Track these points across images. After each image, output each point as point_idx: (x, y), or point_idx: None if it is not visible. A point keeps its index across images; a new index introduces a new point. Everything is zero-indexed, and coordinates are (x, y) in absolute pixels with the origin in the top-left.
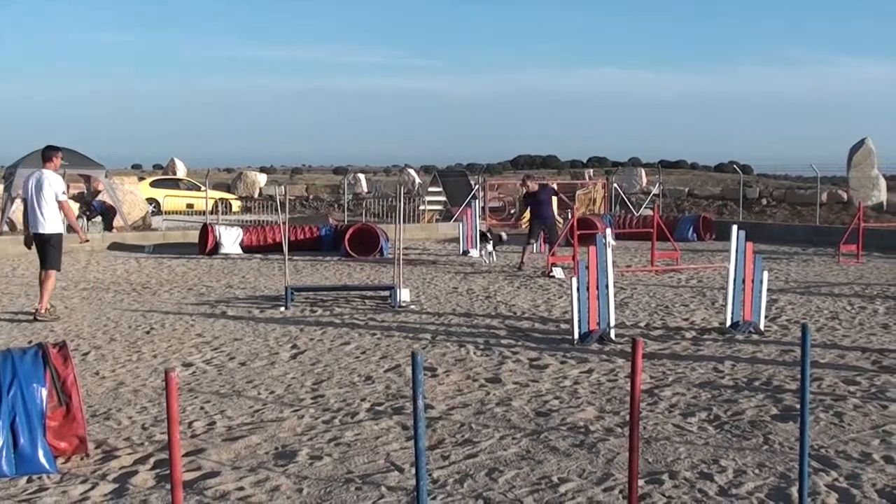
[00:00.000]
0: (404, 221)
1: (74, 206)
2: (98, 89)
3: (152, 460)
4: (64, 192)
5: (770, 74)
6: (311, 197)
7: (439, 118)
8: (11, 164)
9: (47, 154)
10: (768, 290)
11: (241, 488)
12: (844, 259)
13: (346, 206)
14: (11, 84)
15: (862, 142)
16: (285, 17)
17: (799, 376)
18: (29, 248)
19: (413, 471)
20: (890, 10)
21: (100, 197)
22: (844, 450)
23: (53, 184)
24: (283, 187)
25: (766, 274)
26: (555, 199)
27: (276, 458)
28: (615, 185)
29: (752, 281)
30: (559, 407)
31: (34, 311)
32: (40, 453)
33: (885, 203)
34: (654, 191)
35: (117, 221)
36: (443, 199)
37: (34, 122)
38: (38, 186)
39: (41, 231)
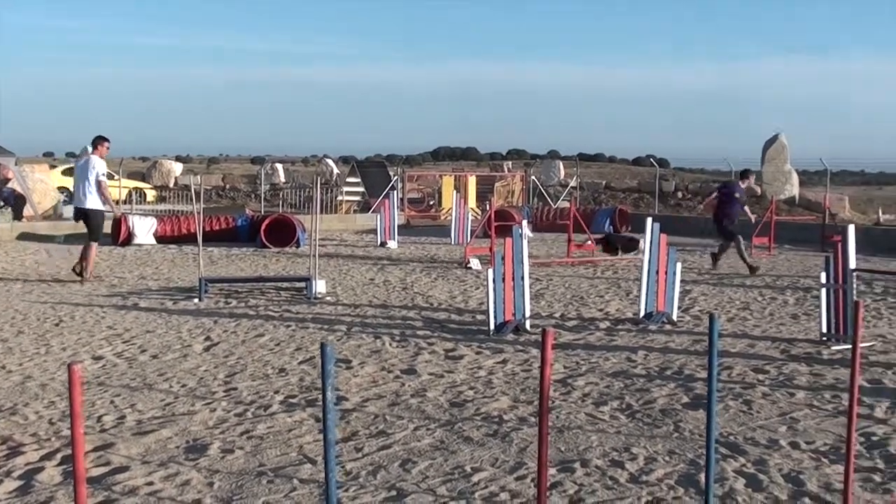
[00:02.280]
0: (322, 212)
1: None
2: (8, 76)
3: (59, 456)
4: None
5: (686, 69)
6: (227, 187)
7: (359, 108)
8: None
9: (95, 142)
10: (682, 281)
11: (151, 483)
12: (757, 251)
13: (263, 196)
14: None
15: (775, 137)
16: (200, 4)
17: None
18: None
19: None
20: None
21: (9, 185)
22: (753, 436)
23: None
24: (198, 177)
25: (679, 265)
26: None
27: (186, 451)
28: (533, 177)
29: (666, 272)
30: (474, 397)
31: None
32: None
33: (797, 197)
34: (572, 183)
35: (27, 210)
36: (361, 189)
37: None
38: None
39: (86, 207)
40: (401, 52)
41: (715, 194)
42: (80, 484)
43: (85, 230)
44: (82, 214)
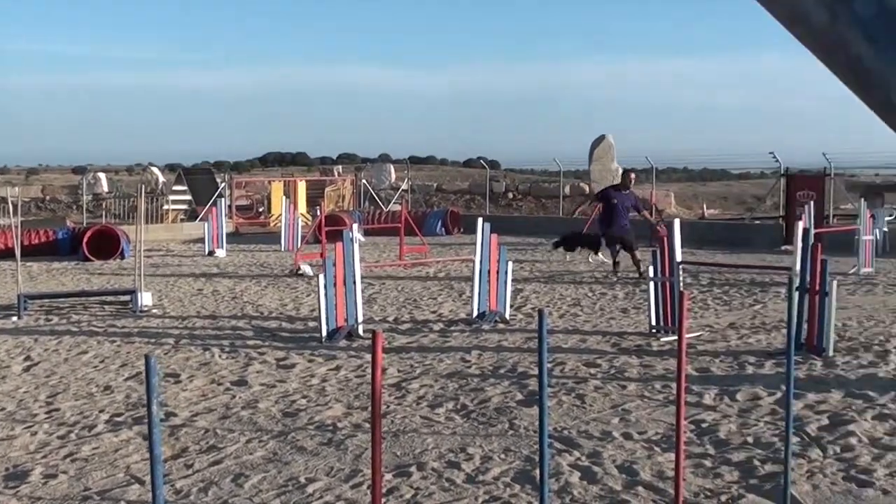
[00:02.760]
0: (147, 222)
1: None
2: None
3: None
4: None
5: (516, 71)
6: (47, 198)
7: (184, 114)
8: None
9: None
10: (514, 280)
11: None
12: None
13: (85, 207)
14: None
15: (602, 137)
16: (22, 8)
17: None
18: None
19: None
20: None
21: None
22: (586, 430)
23: None
24: (16, 189)
25: (510, 265)
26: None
27: (6, 479)
28: (364, 181)
29: (498, 272)
30: (307, 406)
31: None
32: None
33: None
34: (403, 186)
35: None
36: (188, 198)
37: None
38: None
39: None
40: (224, 57)
41: (595, 202)
42: None
43: None
44: None
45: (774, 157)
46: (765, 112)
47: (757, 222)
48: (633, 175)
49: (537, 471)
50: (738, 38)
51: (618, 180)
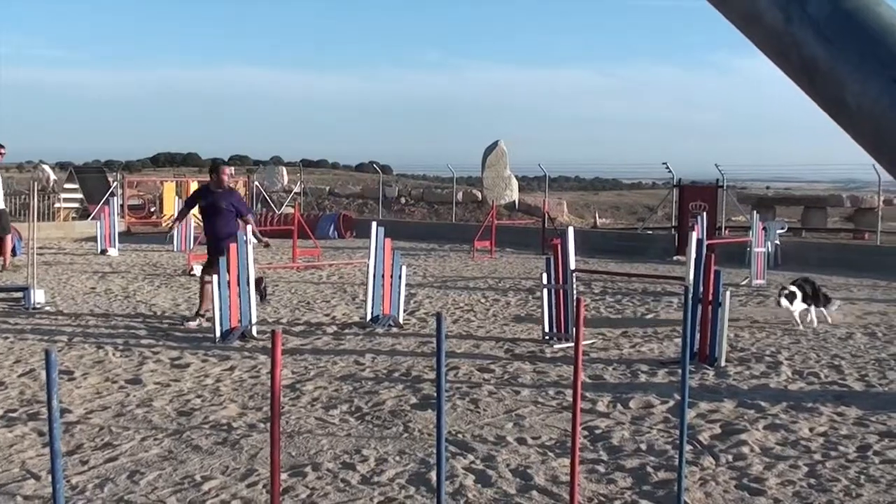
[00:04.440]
0: (39, 220)
1: None
2: None
3: None
4: None
5: (409, 77)
6: None
7: (76, 113)
8: None
9: None
10: (407, 284)
11: None
12: (479, 255)
13: None
14: None
15: (495, 143)
16: None
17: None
18: None
19: (50, 477)
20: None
21: None
22: (481, 434)
23: None
24: None
25: (404, 269)
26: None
27: None
28: (256, 183)
29: (392, 276)
30: (201, 405)
31: None
32: None
33: (517, 202)
34: (296, 189)
35: None
36: (80, 196)
37: None
38: None
39: None
40: (111, 56)
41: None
42: None
43: None
44: None
45: (667, 167)
46: (658, 124)
47: (649, 232)
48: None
49: (432, 473)
50: (634, 50)
51: (512, 186)
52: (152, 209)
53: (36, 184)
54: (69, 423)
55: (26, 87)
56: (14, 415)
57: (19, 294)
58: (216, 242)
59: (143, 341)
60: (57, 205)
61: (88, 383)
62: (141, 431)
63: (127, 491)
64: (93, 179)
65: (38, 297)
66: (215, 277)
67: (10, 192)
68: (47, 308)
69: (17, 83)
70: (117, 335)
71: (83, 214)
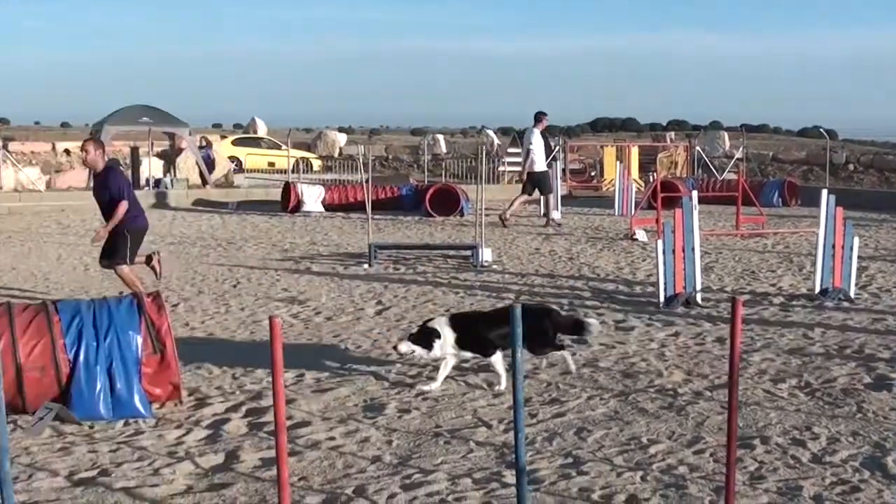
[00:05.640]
0: (484, 182)
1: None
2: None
3: (244, 408)
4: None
5: (853, 36)
6: (390, 157)
7: (514, 79)
8: (98, 121)
9: (537, 116)
10: (859, 257)
11: (332, 438)
12: None
13: (425, 166)
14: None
15: None
16: None
17: (892, 346)
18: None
19: (501, 427)
20: None
21: (184, 153)
22: None
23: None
24: (364, 147)
25: (856, 240)
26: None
27: (364, 410)
28: (697, 148)
29: (843, 247)
30: (646, 369)
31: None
32: (136, 398)
33: None
34: (738, 155)
35: (198, 179)
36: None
37: (120, 81)
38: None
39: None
40: (551, 26)
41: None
42: (282, 433)
43: None
44: (531, 177)
45: None
46: None
47: None
48: None
49: (888, 458)
50: None
51: None
52: (592, 173)
53: (482, 148)
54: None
55: (464, 58)
56: (465, 366)
57: (468, 252)
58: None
59: (588, 303)
60: (501, 168)
61: None
62: (587, 390)
63: (574, 446)
64: None
65: (486, 255)
66: (660, 243)
67: (457, 156)
68: (494, 266)
69: (457, 52)
70: (562, 295)
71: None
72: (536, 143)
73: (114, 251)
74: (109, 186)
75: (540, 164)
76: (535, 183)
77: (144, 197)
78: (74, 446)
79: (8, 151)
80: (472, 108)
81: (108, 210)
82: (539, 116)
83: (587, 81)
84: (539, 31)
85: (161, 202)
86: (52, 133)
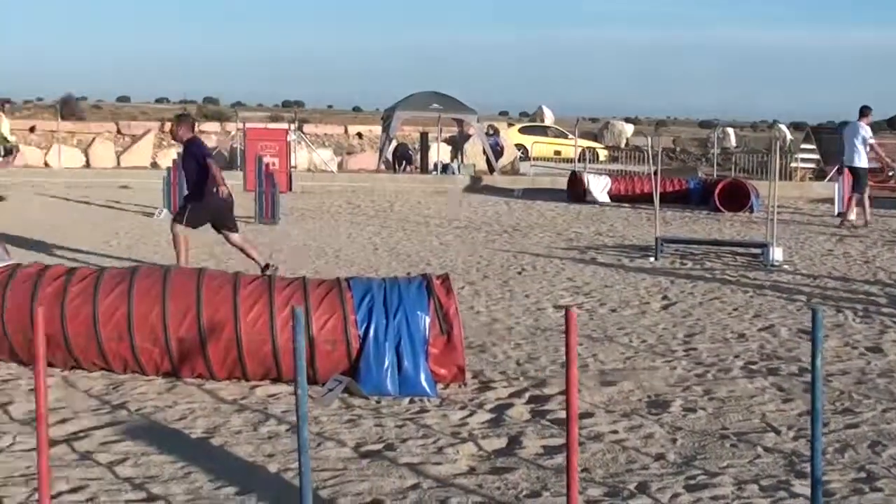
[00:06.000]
0: (776, 178)
1: None
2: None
3: (527, 395)
4: None
5: None
6: (677, 149)
7: (807, 73)
8: (389, 107)
9: (862, 110)
10: None
11: (615, 431)
12: None
13: (714, 160)
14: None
15: None
16: None
17: None
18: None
19: (790, 434)
20: None
21: (472, 140)
22: None
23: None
24: (652, 139)
25: None
26: None
27: (649, 406)
28: None
29: None
30: None
31: None
32: (422, 377)
33: None
34: None
35: (484, 165)
36: (816, 157)
37: (411, 68)
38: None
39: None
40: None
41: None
42: (573, 423)
43: None
44: (852, 171)
45: None
46: None
47: None
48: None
49: None
50: None
51: None
52: (890, 173)
53: (776, 143)
54: (806, 383)
55: (753, 49)
56: (754, 367)
57: (758, 250)
58: None
59: (884, 310)
60: (793, 164)
61: (828, 346)
62: (883, 402)
63: (868, 461)
64: (830, 140)
65: (777, 254)
66: None
67: (747, 150)
68: (785, 266)
69: (745, 43)
70: (856, 300)
71: (819, 175)
72: (870, 137)
73: (182, 208)
74: (195, 154)
75: (865, 159)
76: (856, 178)
77: (430, 181)
78: (362, 419)
79: (303, 133)
80: (762, 102)
81: (195, 178)
82: (864, 111)
83: (879, 77)
84: (811, 21)
85: (446, 186)
86: (344, 116)
